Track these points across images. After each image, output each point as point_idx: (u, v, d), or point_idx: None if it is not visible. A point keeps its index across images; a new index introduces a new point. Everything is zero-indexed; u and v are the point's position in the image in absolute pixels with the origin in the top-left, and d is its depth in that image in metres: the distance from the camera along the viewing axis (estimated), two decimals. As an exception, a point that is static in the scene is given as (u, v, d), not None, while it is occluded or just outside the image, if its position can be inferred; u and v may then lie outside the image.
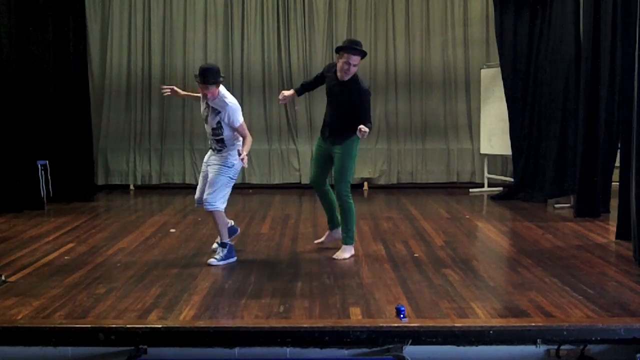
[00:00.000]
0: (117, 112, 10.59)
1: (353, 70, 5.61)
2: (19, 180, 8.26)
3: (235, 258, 5.78)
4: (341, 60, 5.59)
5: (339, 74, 5.67)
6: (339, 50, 5.64)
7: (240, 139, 5.76)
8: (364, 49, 5.71)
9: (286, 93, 5.96)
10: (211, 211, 5.69)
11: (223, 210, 5.76)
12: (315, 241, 6.25)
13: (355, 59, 5.58)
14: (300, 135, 10.60)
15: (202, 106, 5.78)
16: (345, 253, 5.85)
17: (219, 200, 5.68)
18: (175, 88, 6.11)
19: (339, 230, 6.04)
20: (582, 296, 4.61)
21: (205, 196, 5.70)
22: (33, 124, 8.56)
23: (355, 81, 5.68)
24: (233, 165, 5.71)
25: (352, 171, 5.89)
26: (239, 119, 5.63)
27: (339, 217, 6.02)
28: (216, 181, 5.68)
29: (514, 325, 4.12)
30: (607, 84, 7.24)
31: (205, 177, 5.84)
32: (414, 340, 4.03)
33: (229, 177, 5.74)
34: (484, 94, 9.94)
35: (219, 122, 5.62)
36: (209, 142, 5.87)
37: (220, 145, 5.73)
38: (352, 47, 5.60)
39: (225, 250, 5.73)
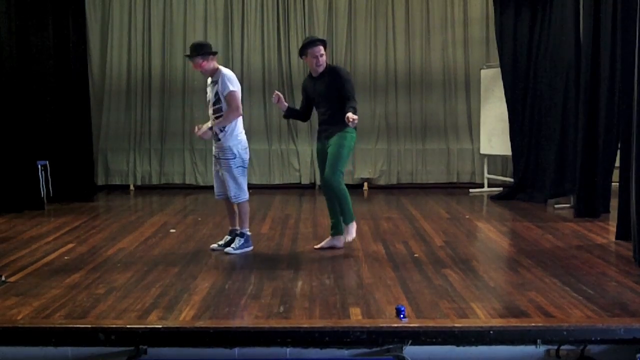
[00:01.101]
0: (117, 112, 10.60)
1: (323, 60, 5.84)
2: (19, 180, 8.26)
3: (251, 247, 6.05)
4: (309, 58, 5.84)
5: (315, 70, 5.88)
6: (302, 53, 5.89)
7: (241, 130, 5.90)
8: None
9: (282, 101, 6.00)
10: (239, 203, 5.96)
11: (248, 199, 6.01)
12: (315, 246, 6.22)
13: (319, 49, 5.81)
14: (300, 136, 10.60)
15: (208, 91, 5.99)
16: (349, 235, 5.93)
17: (241, 192, 5.94)
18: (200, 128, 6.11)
19: (341, 238, 6.06)
20: (582, 296, 4.61)
21: (229, 194, 5.93)
22: (33, 124, 8.56)
23: (330, 68, 5.90)
24: (236, 155, 5.82)
25: (345, 161, 5.90)
26: (230, 86, 5.80)
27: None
28: (231, 176, 5.88)
29: (514, 325, 4.12)
30: (607, 84, 7.23)
31: (218, 173, 6.05)
32: (414, 340, 4.03)
33: (239, 166, 5.91)
34: (484, 94, 9.94)
35: (217, 94, 5.81)
36: (213, 131, 5.97)
37: (220, 127, 5.83)
38: (310, 42, 5.85)
39: (242, 240, 5.97)
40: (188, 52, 5.93)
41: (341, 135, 5.81)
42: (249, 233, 6.05)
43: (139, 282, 5.08)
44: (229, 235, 6.15)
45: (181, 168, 10.63)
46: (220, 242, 6.12)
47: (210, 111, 5.93)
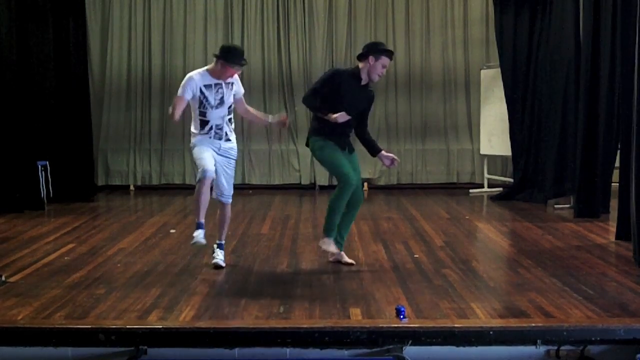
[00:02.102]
0: (117, 112, 10.60)
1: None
2: (19, 180, 8.26)
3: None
4: (376, 64, 5.35)
5: (368, 77, 5.44)
6: (373, 53, 5.35)
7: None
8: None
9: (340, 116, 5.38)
10: (228, 204, 5.62)
11: None
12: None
13: (389, 63, 5.47)
14: (300, 136, 10.58)
15: (213, 92, 5.44)
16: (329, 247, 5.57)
17: None
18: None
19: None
20: (582, 296, 4.61)
21: (229, 193, 5.58)
22: (33, 124, 8.57)
23: (369, 85, 5.57)
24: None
25: None
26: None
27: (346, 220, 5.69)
28: (232, 176, 5.63)
29: (514, 325, 4.12)
30: (607, 84, 7.24)
31: (221, 169, 5.52)
32: (414, 340, 4.03)
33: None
34: (484, 95, 9.94)
35: (234, 96, 5.62)
36: (217, 132, 5.48)
37: (230, 127, 5.58)
38: (391, 52, 5.47)
39: (223, 248, 5.65)
40: (241, 59, 5.56)
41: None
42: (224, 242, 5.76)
43: (139, 282, 5.08)
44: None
45: (181, 168, 10.63)
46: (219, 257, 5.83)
47: (225, 112, 5.52)
